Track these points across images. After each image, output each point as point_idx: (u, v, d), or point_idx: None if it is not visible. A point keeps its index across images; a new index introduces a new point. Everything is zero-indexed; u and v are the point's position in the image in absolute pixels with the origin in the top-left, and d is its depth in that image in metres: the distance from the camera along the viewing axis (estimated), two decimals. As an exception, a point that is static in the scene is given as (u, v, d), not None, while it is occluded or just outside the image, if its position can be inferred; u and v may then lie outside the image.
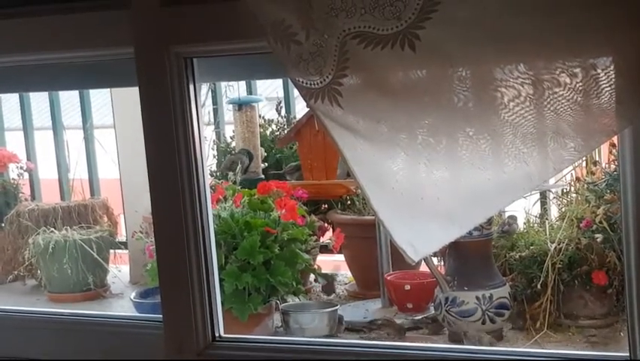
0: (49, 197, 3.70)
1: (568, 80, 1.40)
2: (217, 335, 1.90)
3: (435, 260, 2.48)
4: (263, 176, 3.16)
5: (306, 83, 1.53)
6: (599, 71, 1.38)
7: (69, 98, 4.36)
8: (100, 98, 4.52)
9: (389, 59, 1.46)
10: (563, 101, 1.41)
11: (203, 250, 1.89)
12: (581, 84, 1.39)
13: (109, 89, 3.15)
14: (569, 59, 1.39)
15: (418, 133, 1.50)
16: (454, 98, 1.47)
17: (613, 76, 1.38)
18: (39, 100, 4.25)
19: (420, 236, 1.53)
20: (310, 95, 1.53)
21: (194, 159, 1.84)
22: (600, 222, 2.34)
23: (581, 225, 2.38)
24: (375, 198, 1.52)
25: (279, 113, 3.38)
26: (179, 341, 1.89)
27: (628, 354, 1.63)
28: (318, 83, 1.52)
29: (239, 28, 1.71)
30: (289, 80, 1.58)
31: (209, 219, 1.90)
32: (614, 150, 2.40)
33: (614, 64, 1.38)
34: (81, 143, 3.63)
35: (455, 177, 1.50)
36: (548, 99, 1.42)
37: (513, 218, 2.50)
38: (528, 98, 1.43)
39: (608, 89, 1.38)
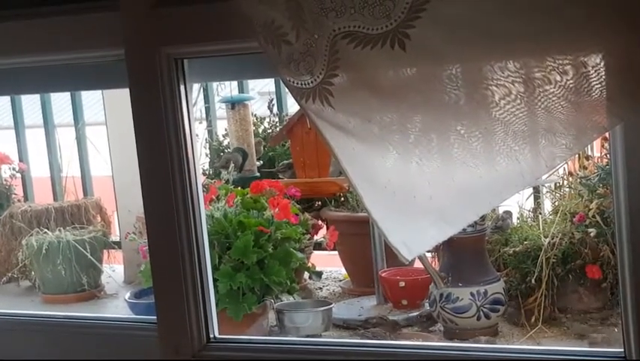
0: (42, 195, 3.69)
1: (558, 78, 1.40)
2: (212, 335, 1.90)
3: (429, 255, 2.49)
4: (258, 174, 3.15)
5: (297, 83, 1.53)
6: (589, 68, 1.38)
7: (60, 96, 4.35)
8: (91, 95, 4.51)
9: (379, 58, 1.46)
10: (553, 98, 1.41)
11: (196, 251, 1.88)
12: (571, 82, 1.39)
13: (101, 86, 3.13)
14: (560, 56, 1.39)
15: (410, 132, 1.50)
16: (445, 97, 1.47)
17: (603, 73, 1.38)
18: (30, 97, 4.24)
19: (413, 235, 1.53)
20: (301, 95, 1.53)
21: (187, 161, 1.83)
22: (593, 216, 2.35)
23: (574, 219, 2.38)
24: (368, 198, 1.52)
25: (271, 111, 3.37)
26: (174, 343, 1.89)
27: (622, 350, 1.63)
28: (309, 83, 1.52)
29: (229, 29, 1.71)
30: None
31: (202, 219, 1.89)
32: (606, 144, 2.40)
33: (604, 61, 1.38)
34: (73, 142, 3.62)
35: (447, 175, 1.50)
36: (539, 97, 1.41)
37: (508, 213, 2.51)
38: (519, 96, 1.42)
39: (599, 86, 1.39)
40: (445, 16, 1.42)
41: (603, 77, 1.38)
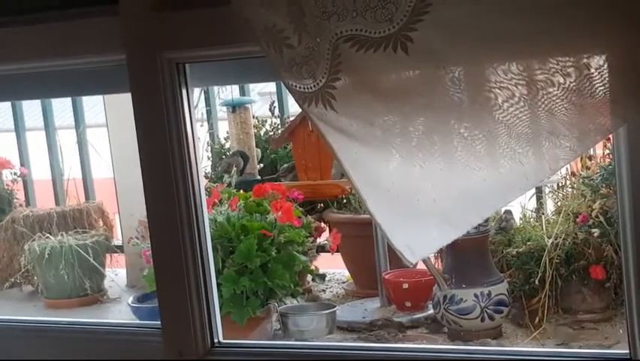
0: (43, 197, 3.69)
1: (562, 80, 1.39)
2: (216, 340, 1.90)
3: (432, 257, 2.48)
4: (259, 177, 3.15)
5: (300, 87, 1.52)
6: (592, 70, 1.38)
7: (61, 98, 4.34)
8: (92, 97, 4.51)
9: (382, 61, 1.46)
10: (557, 100, 1.41)
11: (200, 255, 1.88)
12: (574, 84, 1.39)
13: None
14: (563, 58, 1.38)
15: (413, 135, 1.50)
16: (448, 100, 1.46)
17: (606, 75, 1.37)
18: (30, 101, 4.24)
19: (417, 238, 1.52)
20: (304, 99, 1.52)
21: (189, 165, 1.83)
22: (596, 216, 2.35)
23: (577, 219, 2.38)
24: (372, 201, 1.52)
25: (273, 113, 3.37)
26: (179, 348, 1.88)
27: (628, 351, 1.63)
28: (311, 87, 1.51)
29: (231, 33, 1.70)
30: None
31: (205, 223, 1.89)
32: (608, 144, 2.40)
33: (608, 63, 1.37)
34: (74, 145, 3.62)
35: (451, 178, 1.50)
36: (542, 99, 1.41)
37: (509, 213, 2.50)
38: (522, 99, 1.42)
39: (602, 88, 1.38)
40: (448, 18, 1.41)
41: (606, 78, 1.37)
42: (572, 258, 2.34)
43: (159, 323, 1.92)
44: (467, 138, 1.47)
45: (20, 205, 3.48)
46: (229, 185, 2.77)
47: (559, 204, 2.55)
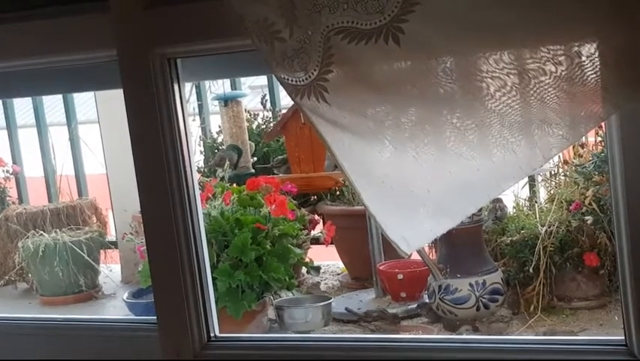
0: (36, 195, 3.68)
1: (553, 69, 1.39)
2: (212, 335, 1.90)
3: (426, 247, 2.49)
4: (253, 170, 3.15)
5: (292, 80, 1.52)
6: (583, 58, 1.38)
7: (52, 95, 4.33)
8: (83, 93, 4.50)
9: (374, 53, 1.46)
10: (549, 89, 1.41)
11: (194, 250, 1.88)
12: (566, 72, 1.39)
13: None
14: (554, 47, 1.39)
15: (405, 126, 1.50)
16: (440, 90, 1.46)
17: (598, 63, 1.38)
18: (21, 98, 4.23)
19: (412, 229, 1.52)
20: (296, 92, 1.52)
21: (182, 160, 1.83)
22: (590, 203, 2.35)
23: (570, 207, 2.39)
24: (366, 193, 1.52)
25: (265, 107, 3.37)
26: (175, 343, 1.88)
27: (623, 338, 1.63)
28: (303, 80, 1.51)
29: (222, 27, 1.70)
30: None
31: (199, 218, 1.89)
32: (600, 132, 2.40)
33: (599, 50, 1.37)
34: (66, 142, 3.62)
35: (444, 168, 1.50)
36: (534, 88, 1.41)
37: (501, 201, 2.50)
38: (514, 88, 1.42)
39: (594, 76, 1.38)
40: (439, 9, 1.42)
41: (598, 66, 1.38)
42: (565, 245, 2.35)
43: (155, 318, 1.92)
44: (460, 127, 1.48)
45: (13, 203, 3.48)
46: (222, 179, 2.77)
47: (552, 192, 2.55)
